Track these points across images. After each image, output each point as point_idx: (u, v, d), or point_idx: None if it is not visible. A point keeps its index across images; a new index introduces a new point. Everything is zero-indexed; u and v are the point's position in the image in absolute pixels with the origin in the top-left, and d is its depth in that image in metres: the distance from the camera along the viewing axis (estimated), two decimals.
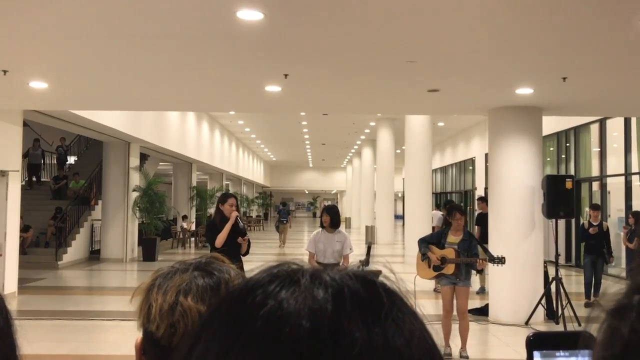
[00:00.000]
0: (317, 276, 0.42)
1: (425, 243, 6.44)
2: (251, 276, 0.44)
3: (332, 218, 6.34)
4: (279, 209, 23.24)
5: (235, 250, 6.04)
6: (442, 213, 11.49)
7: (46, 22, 5.21)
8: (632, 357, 0.35)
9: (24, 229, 14.53)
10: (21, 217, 13.94)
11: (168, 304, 1.02)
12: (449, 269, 6.21)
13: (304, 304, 0.40)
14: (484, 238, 9.39)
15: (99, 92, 8.31)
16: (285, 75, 6.96)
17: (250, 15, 4.90)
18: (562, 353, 0.61)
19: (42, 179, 18.40)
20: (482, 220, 10.70)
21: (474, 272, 6.38)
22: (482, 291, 10.57)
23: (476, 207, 22.50)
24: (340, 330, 0.38)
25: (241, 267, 5.76)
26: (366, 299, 0.41)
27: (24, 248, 14.51)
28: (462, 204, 25.22)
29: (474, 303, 9.32)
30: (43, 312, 8.91)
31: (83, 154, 19.26)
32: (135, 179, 16.79)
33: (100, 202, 16.81)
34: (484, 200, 11.43)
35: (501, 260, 6.32)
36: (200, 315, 1.00)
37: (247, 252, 6.26)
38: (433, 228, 13.40)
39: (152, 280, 1.08)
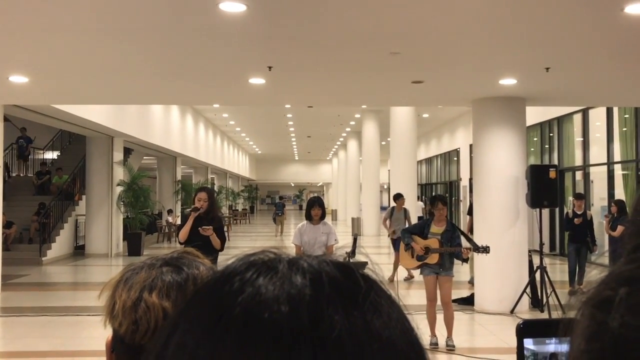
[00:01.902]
0: (295, 263, 0.42)
1: (408, 233, 6.49)
2: (227, 264, 0.44)
3: (323, 211, 6.37)
4: (275, 203, 26.64)
5: (207, 245, 5.66)
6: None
7: (25, 15, 5.13)
8: (625, 351, 0.35)
9: (7, 225, 14.36)
10: (3, 214, 13.79)
11: (131, 301, 1.00)
12: (433, 258, 6.25)
13: (282, 289, 0.39)
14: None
15: (80, 86, 8.21)
16: (269, 68, 6.92)
17: (232, 7, 4.86)
18: (552, 340, 0.61)
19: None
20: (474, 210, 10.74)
21: (460, 262, 6.42)
22: (473, 281, 10.64)
23: (461, 197, 22.72)
24: (320, 314, 0.38)
25: (215, 261, 5.60)
26: (344, 283, 0.41)
27: (7, 244, 14.36)
28: (447, 195, 25.38)
29: (465, 293, 9.38)
30: (27, 309, 8.83)
31: (66, 149, 19.06)
32: (119, 174, 16.67)
33: (84, 197, 16.66)
34: None
35: (485, 250, 6.39)
36: (165, 312, 0.98)
37: (222, 248, 5.91)
38: (419, 218, 13.36)
39: (120, 276, 1.05)
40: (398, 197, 11.28)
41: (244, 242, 21.00)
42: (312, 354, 0.37)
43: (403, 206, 11.08)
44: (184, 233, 5.86)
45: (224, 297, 0.40)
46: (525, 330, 0.62)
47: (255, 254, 0.44)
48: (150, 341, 0.96)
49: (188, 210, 6.10)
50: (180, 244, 5.87)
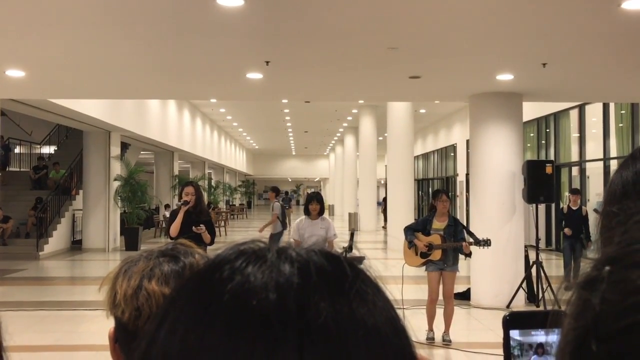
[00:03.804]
0: (283, 252, 0.43)
1: (411, 230, 6.45)
2: (218, 253, 0.45)
3: (321, 206, 6.40)
4: (282, 197, 28.44)
5: (198, 239, 5.75)
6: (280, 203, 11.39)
7: (22, 9, 5.12)
8: (604, 326, 0.36)
9: (4, 219, 14.36)
10: (0, 208, 13.78)
11: (132, 289, 1.02)
12: (436, 255, 6.24)
13: (271, 277, 0.40)
14: None
15: (77, 80, 8.20)
16: (267, 62, 6.92)
17: (230, 1, 4.86)
18: (538, 332, 0.63)
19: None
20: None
21: (463, 257, 6.42)
22: None
23: (457, 192, 22.72)
24: (307, 302, 0.39)
25: None
26: (331, 272, 0.42)
27: (4, 239, 14.35)
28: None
29: (462, 288, 9.39)
30: (24, 303, 8.83)
31: (63, 144, 19.03)
32: (117, 168, 16.64)
33: (81, 191, 16.64)
34: None
35: (487, 243, 6.37)
36: (165, 297, 1.00)
37: (211, 242, 6.06)
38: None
39: (119, 268, 1.08)
40: (272, 189, 11.73)
41: (241, 236, 20.97)
42: (299, 339, 0.38)
43: (274, 200, 11.28)
44: (175, 228, 5.94)
45: (213, 285, 0.41)
46: (511, 321, 0.63)
47: (245, 243, 0.45)
48: (144, 326, 1.00)
49: (178, 204, 6.18)
50: (172, 239, 5.87)
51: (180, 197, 6.26)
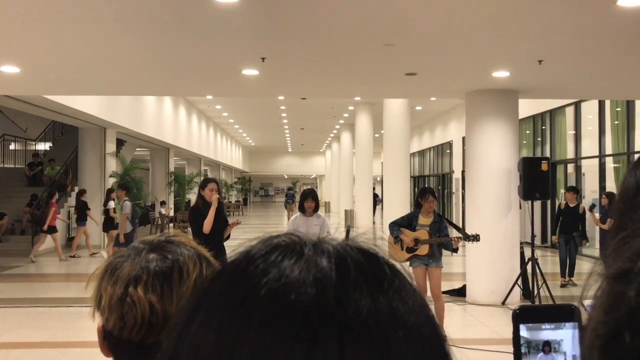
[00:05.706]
0: (319, 246, 0.43)
1: (396, 226, 6.47)
2: (250, 245, 0.44)
3: (316, 203, 6.40)
4: (287, 193, 30.86)
5: (219, 236, 6.00)
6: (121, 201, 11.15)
7: (18, 5, 5.08)
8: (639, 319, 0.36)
9: None
10: None
11: (117, 296, 1.00)
12: (423, 250, 6.26)
13: (308, 272, 0.40)
14: None
15: (73, 76, 8.16)
16: (263, 59, 6.90)
17: None
18: (547, 326, 0.62)
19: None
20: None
21: (450, 252, 6.43)
22: None
23: (453, 189, 22.75)
24: (346, 298, 0.38)
25: (223, 253, 5.73)
26: (369, 269, 0.41)
27: None
28: (439, 187, 25.46)
29: (457, 284, 9.41)
30: (20, 300, 8.81)
31: (58, 140, 18.97)
32: (112, 165, 16.60)
33: (76, 188, 16.59)
34: None
35: (476, 238, 6.40)
36: (151, 305, 0.98)
37: (228, 237, 6.22)
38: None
39: (106, 265, 1.05)
40: (122, 187, 11.50)
41: (236, 233, 20.99)
42: (338, 336, 0.37)
43: (125, 198, 11.12)
44: (209, 224, 5.97)
45: (249, 278, 0.40)
46: (521, 316, 0.63)
47: (279, 237, 0.44)
48: (133, 335, 0.99)
49: (198, 202, 6.21)
50: (205, 235, 5.90)
51: (199, 194, 6.27)
